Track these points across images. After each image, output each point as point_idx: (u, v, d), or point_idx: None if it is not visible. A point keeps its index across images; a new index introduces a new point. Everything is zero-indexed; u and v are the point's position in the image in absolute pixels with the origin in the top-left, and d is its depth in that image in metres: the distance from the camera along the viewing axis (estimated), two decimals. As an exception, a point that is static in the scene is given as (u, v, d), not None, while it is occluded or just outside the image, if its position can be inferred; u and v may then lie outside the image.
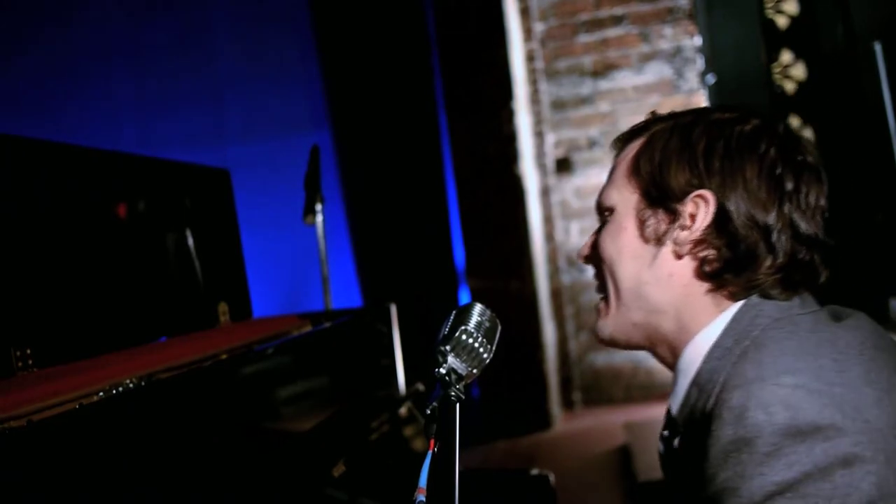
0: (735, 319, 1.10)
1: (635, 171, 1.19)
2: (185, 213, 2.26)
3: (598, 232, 1.24)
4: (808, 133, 4.36)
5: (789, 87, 4.42)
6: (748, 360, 1.03)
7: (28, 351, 1.60)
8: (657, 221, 1.16)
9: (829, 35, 4.46)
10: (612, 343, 1.24)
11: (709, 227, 1.11)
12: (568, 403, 5.59)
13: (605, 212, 1.23)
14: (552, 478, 2.32)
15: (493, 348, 1.13)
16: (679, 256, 1.14)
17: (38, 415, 1.35)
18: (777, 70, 4.42)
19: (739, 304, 1.11)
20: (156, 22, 5.66)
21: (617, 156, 1.25)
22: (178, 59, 5.61)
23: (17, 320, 1.61)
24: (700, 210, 1.12)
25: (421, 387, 2.52)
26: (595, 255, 1.23)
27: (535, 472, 2.36)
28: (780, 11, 4.44)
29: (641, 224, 1.17)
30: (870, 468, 0.93)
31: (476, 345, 1.10)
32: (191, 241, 2.22)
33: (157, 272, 2.09)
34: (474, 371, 1.11)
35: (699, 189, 1.12)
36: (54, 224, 1.77)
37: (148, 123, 5.52)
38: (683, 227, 1.13)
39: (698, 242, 1.13)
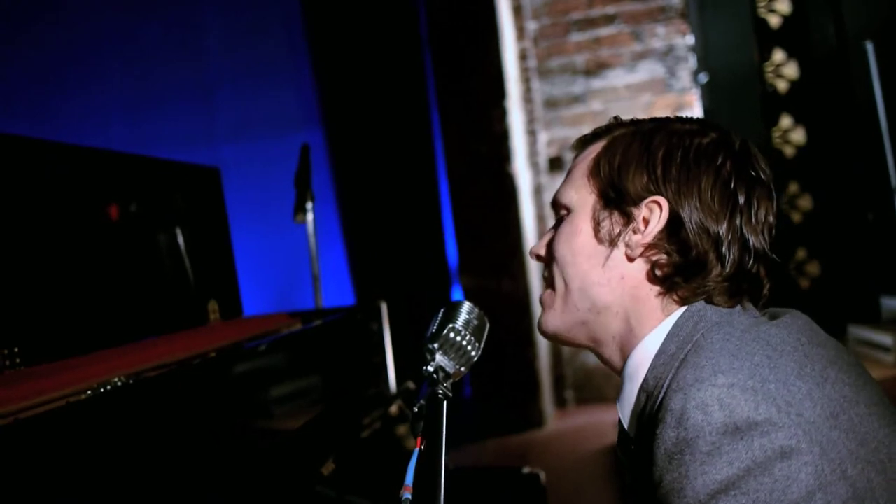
0: (677, 325, 1.13)
1: (595, 171, 1.21)
2: (175, 212, 2.25)
3: (554, 229, 1.26)
4: (799, 132, 4.37)
5: (781, 86, 4.43)
6: (688, 364, 1.05)
7: (16, 349, 1.59)
8: (611, 223, 1.18)
9: (822, 34, 4.47)
10: (555, 338, 1.26)
11: (661, 232, 1.14)
12: (560, 402, 5.59)
13: (561, 209, 1.25)
14: (542, 476, 2.32)
15: (482, 346, 1.14)
16: (631, 259, 1.16)
17: (26, 413, 1.35)
18: (769, 69, 4.43)
19: (682, 310, 1.14)
20: (147, 21, 5.64)
21: (577, 156, 1.28)
22: (169, 57, 5.59)
23: (5, 318, 1.60)
24: (654, 215, 1.15)
25: (412, 385, 2.52)
26: (549, 254, 1.25)
27: (525, 470, 2.37)
28: (772, 11, 4.45)
29: (596, 225, 1.19)
30: (806, 459, 0.96)
31: (464, 343, 1.11)
32: (180, 240, 2.22)
33: (146, 270, 2.08)
34: (462, 369, 1.11)
35: (655, 195, 1.15)
36: (42, 222, 1.76)
37: (139, 122, 5.50)
38: (636, 231, 1.16)
39: (650, 246, 1.15)
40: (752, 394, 0.98)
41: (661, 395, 1.07)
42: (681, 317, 1.13)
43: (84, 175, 1.92)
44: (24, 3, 5.55)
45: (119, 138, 5.39)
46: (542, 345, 5.29)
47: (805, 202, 4.37)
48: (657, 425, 1.02)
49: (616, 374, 1.22)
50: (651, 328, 1.15)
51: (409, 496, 0.96)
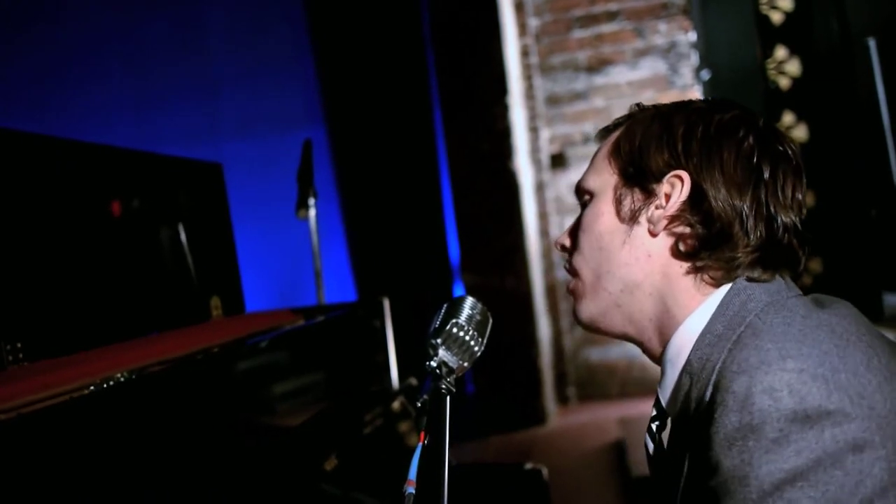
0: (723, 304, 1.09)
1: (615, 153, 1.19)
2: (178, 207, 2.25)
3: (578, 219, 1.24)
4: (802, 129, 4.36)
5: (784, 82, 4.42)
6: (747, 346, 1.00)
7: (19, 345, 1.60)
8: (633, 200, 1.16)
9: (824, 31, 4.46)
10: (592, 325, 1.22)
11: (684, 204, 1.11)
12: (562, 399, 5.59)
13: (584, 195, 1.24)
14: (545, 472, 2.33)
15: (485, 341, 1.13)
16: (653, 234, 1.14)
17: (29, 408, 1.35)
18: (771, 66, 4.42)
19: (726, 287, 1.10)
20: (151, 18, 5.65)
21: (600, 145, 1.26)
22: (173, 55, 5.60)
23: (9, 314, 1.60)
24: (675, 189, 1.12)
25: (414, 381, 2.52)
26: (574, 243, 1.23)
27: (528, 466, 2.37)
28: (774, 7, 4.44)
29: (618, 204, 1.17)
30: (880, 454, 0.91)
31: (467, 338, 1.10)
32: (183, 236, 2.22)
33: (149, 266, 2.08)
34: (465, 364, 1.10)
35: (676, 170, 1.13)
36: (46, 218, 1.76)
37: (143, 120, 5.50)
38: (658, 206, 1.13)
39: (673, 219, 1.12)
40: (824, 382, 0.93)
41: (711, 377, 1.03)
42: (726, 295, 1.09)
43: (87, 171, 1.92)
44: (25, 2, 5.55)
45: (123, 135, 5.38)
46: (545, 342, 5.30)
47: (807, 199, 4.37)
48: (714, 409, 0.97)
49: (656, 363, 1.18)
50: (691, 309, 1.11)
51: (413, 490, 0.96)
